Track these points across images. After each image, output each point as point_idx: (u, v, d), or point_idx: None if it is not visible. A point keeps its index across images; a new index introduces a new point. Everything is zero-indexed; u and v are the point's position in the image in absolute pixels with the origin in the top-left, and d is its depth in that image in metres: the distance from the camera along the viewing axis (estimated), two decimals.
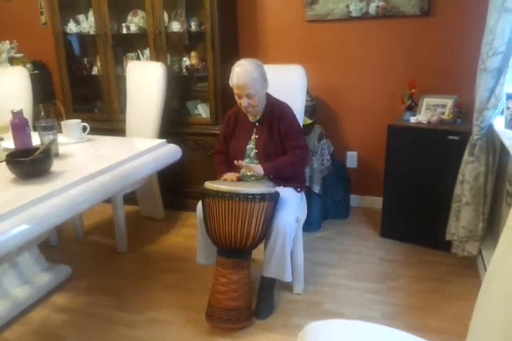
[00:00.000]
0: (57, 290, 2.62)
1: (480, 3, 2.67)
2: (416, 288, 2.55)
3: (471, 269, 2.69)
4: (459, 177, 2.64)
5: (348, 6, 3.20)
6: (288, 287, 2.54)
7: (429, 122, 2.85)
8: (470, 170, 2.57)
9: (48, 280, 2.61)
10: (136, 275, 2.77)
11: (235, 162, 2.35)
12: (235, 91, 2.37)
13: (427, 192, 2.86)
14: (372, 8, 3.16)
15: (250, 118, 2.50)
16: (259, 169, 2.35)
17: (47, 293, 2.58)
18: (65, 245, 3.18)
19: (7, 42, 3.92)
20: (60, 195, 1.83)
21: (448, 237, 2.76)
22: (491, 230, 2.79)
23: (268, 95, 2.47)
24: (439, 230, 2.78)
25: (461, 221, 2.65)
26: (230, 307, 2.20)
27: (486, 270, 2.44)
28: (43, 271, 2.64)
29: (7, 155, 1.95)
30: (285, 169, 2.41)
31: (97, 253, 3.09)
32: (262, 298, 2.38)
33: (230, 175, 2.45)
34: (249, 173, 2.47)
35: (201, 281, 2.61)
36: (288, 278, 2.35)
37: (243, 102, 2.35)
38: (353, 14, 3.21)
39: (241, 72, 2.32)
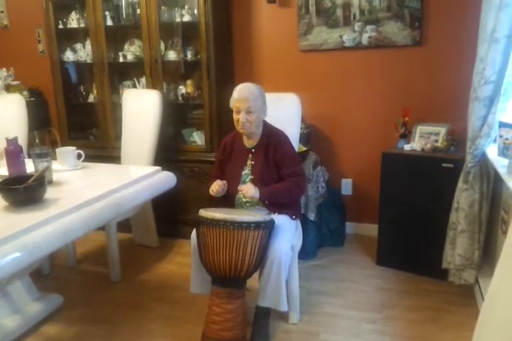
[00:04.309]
0: (48, 320, 2.57)
1: (470, 33, 2.73)
2: (413, 317, 2.52)
3: (468, 298, 2.66)
4: (454, 204, 2.64)
5: (341, 36, 3.27)
6: (283, 316, 2.50)
7: (422, 150, 2.87)
8: (465, 197, 2.58)
9: (39, 309, 2.56)
10: (129, 305, 2.72)
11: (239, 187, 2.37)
12: (235, 105, 2.38)
13: (422, 220, 2.85)
14: (365, 39, 3.22)
15: (246, 144, 2.50)
16: (256, 193, 2.33)
17: (38, 322, 2.52)
18: (57, 273, 3.13)
19: (4, 69, 3.96)
20: (53, 222, 1.81)
21: (444, 265, 2.74)
22: (487, 258, 2.77)
23: (265, 122, 2.50)
24: (435, 258, 2.77)
25: (457, 249, 2.63)
26: (224, 338, 2.16)
27: (483, 298, 2.42)
28: (34, 300, 2.59)
29: (0, 183, 1.94)
30: (282, 196, 2.41)
31: (89, 281, 3.04)
32: (257, 328, 2.33)
33: (217, 183, 2.41)
34: (244, 199, 2.46)
35: (195, 311, 2.56)
36: (284, 308, 2.31)
37: (241, 118, 2.36)
38: (347, 44, 3.27)
39: (243, 87, 2.38)
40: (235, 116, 2.40)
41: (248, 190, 2.33)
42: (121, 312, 2.65)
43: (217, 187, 2.40)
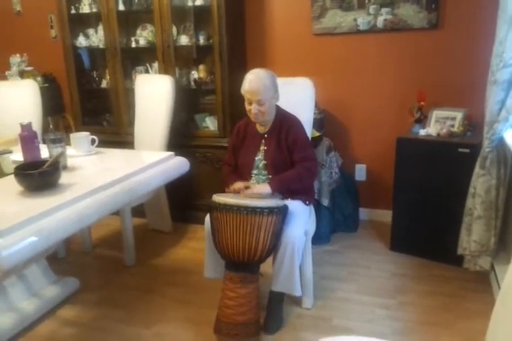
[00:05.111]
0: (65, 303, 2.61)
1: (488, 16, 2.67)
2: (427, 303, 2.51)
3: (483, 284, 2.65)
4: (471, 190, 2.61)
5: (355, 20, 3.21)
6: (297, 301, 2.51)
7: (438, 135, 2.84)
8: (481, 183, 2.54)
9: (55, 293, 2.59)
10: (143, 289, 2.75)
11: (241, 193, 2.35)
12: (246, 96, 2.36)
13: (437, 206, 2.82)
14: (379, 22, 3.16)
15: (259, 129, 2.49)
16: (266, 189, 2.32)
17: (54, 306, 2.56)
18: (73, 258, 3.17)
19: (18, 55, 3.97)
20: (68, 207, 1.83)
21: (460, 251, 2.72)
22: (503, 244, 2.75)
23: (278, 107, 2.47)
24: (451, 244, 2.74)
25: (473, 235, 2.61)
26: (238, 322, 2.17)
27: (499, 285, 2.40)
28: (50, 283, 2.63)
29: (16, 168, 1.96)
30: (293, 183, 2.39)
31: (104, 266, 3.07)
32: (271, 313, 2.35)
33: (239, 184, 2.41)
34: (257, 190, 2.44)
35: (209, 295, 2.58)
36: (297, 293, 2.32)
37: (253, 109, 2.35)
38: (361, 27, 3.22)
39: (254, 78, 2.34)
40: (247, 107, 2.39)
41: (261, 191, 2.32)
42: (136, 295, 2.68)
43: (241, 185, 2.39)
